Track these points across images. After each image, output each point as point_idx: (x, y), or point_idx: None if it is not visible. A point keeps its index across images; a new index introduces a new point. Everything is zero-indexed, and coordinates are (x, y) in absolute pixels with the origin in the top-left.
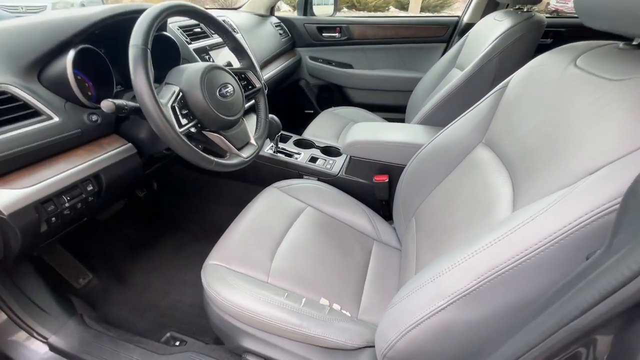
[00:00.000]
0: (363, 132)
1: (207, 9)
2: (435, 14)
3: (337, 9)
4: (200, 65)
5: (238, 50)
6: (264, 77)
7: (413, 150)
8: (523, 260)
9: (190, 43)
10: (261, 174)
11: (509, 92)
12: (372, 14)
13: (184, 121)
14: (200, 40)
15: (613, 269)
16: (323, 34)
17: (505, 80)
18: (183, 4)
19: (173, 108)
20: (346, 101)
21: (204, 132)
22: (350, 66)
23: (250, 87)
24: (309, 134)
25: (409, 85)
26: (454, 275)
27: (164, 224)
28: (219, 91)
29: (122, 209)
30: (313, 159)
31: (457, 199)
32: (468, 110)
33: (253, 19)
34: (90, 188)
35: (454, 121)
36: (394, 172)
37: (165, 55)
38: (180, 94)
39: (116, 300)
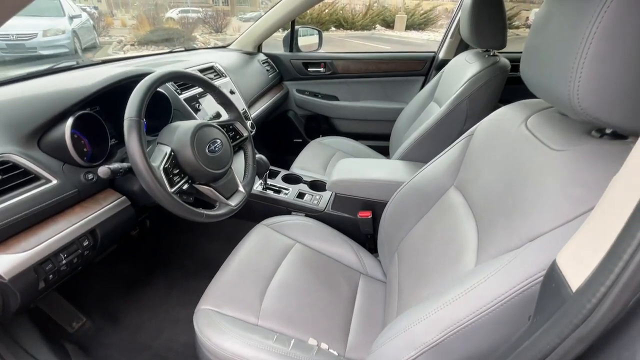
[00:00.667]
0: (347, 170)
1: (197, 48)
2: (413, 50)
3: (321, 45)
4: (190, 125)
5: (225, 104)
6: (254, 114)
7: (394, 187)
8: (479, 317)
9: (180, 93)
10: (251, 211)
11: (474, 141)
12: (355, 50)
13: (175, 179)
14: (190, 90)
15: (537, 343)
16: (309, 69)
17: (472, 129)
18: (172, 73)
19: (165, 169)
20: (333, 130)
21: (194, 185)
22: (335, 98)
23: (238, 137)
24: (297, 166)
25: (392, 115)
26: (423, 327)
27: (157, 261)
28: (208, 147)
29: (115, 249)
30: (301, 195)
31: (433, 240)
32: (441, 153)
33: (241, 58)
34: (86, 243)
35: (429, 162)
36: (377, 207)
37: (158, 107)
38: (172, 154)
39: (110, 342)
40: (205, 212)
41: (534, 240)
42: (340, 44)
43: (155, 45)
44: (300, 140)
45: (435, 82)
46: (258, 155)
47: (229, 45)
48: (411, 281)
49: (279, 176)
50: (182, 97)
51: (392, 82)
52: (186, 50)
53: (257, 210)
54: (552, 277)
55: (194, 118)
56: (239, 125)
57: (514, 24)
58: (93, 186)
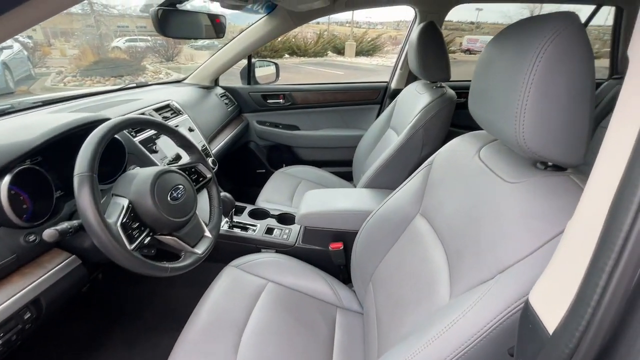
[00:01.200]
0: (314, 202)
1: (150, 84)
2: (367, 81)
3: (278, 77)
4: (149, 173)
5: (186, 146)
6: (215, 149)
7: (363, 217)
8: (460, 355)
9: (134, 136)
10: (218, 251)
11: (434, 171)
12: (312, 82)
13: (135, 234)
14: (145, 131)
15: None
16: (268, 101)
17: (431, 158)
18: (127, 120)
19: (123, 225)
20: (296, 159)
21: (156, 237)
22: (296, 128)
23: (201, 179)
24: (263, 199)
25: (352, 142)
26: None
27: (113, 316)
28: (170, 195)
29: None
30: (269, 230)
31: (405, 268)
32: (404, 183)
33: (198, 93)
34: (28, 316)
35: (394, 192)
36: (347, 238)
37: (110, 152)
38: (130, 206)
39: None
40: (169, 265)
41: (503, 272)
42: (296, 70)
43: (101, 76)
44: (264, 170)
45: (390, 111)
46: (222, 193)
47: (184, 79)
48: (388, 313)
49: (246, 212)
50: (137, 139)
51: (350, 110)
52: (138, 86)
53: (225, 250)
54: (528, 318)
55: (152, 161)
56: (201, 167)
57: (450, 49)
58: (35, 248)
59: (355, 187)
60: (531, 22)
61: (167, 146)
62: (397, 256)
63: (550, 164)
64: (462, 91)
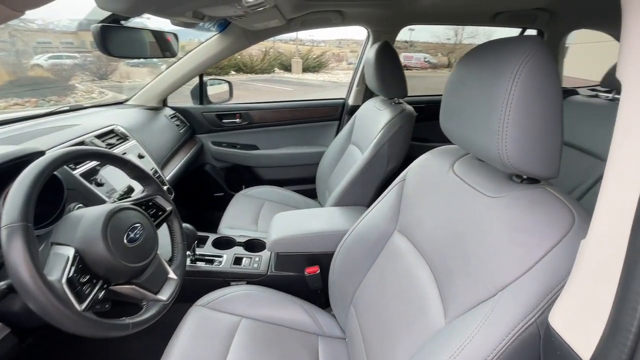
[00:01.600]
0: (285, 226)
1: (87, 107)
2: (324, 98)
3: (232, 95)
4: (98, 213)
5: (141, 177)
6: (168, 176)
7: (338, 237)
8: None
9: (74, 168)
10: (182, 290)
11: (407, 187)
12: (269, 99)
13: (86, 290)
14: (86, 163)
15: None
16: (223, 121)
17: (403, 174)
18: (68, 154)
19: (70, 281)
20: (256, 180)
21: (111, 288)
22: (255, 147)
23: (160, 212)
24: (225, 225)
25: (313, 159)
26: None
27: None
28: (127, 237)
29: None
30: (237, 260)
31: (389, 289)
32: (379, 199)
33: (145, 115)
34: None
35: (369, 209)
36: (323, 260)
37: (45, 190)
38: (77, 256)
39: None
40: (130, 320)
41: (504, 289)
42: (244, 87)
43: (18, 97)
44: (222, 193)
45: (350, 127)
46: (184, 225)
47: (126, 100)
48: (377, 338)
49: (209, 242)
50: (76, 172)
51: (309, 127)
52: (72, 109)
53: (189, 288)
54: (553, 344)
55: (99, 198)
56: (160, 199)
57: None
58: None
59: (320, 204)
60: (500, 45)
61: (114, 177)
62: (378, 276)
63: (525, 177)
64: (416, 106)
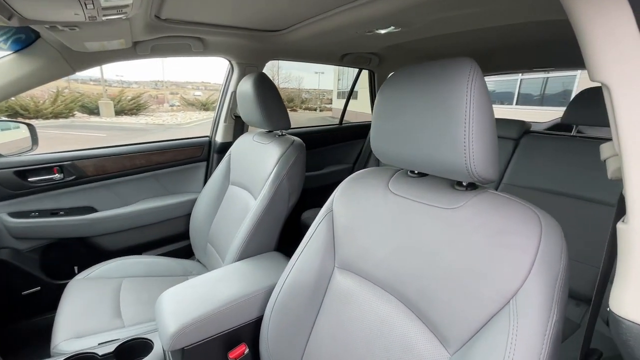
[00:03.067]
0: (185, 306)
1: None
2: (188, 137)
3: (37, 142)
4: None
5: None
6: None
7: (261, 297)
8: None
9: None
10: None
11: (337, 218)
12: (61, 148)
13: None
14: None
15: None
16: (29, 179)
17: (328, 203)
18: None
19: None
20: (97, 254)
21: None
22: (91, 209)
23: None
24: (64, 337)
25: (182, 209)
26: None
27: None
28: None
29: None
30: None
31: (352, 337)
32: (306, 240)
33: None
34: None
35: (297, 251)
36: (247, 333)
37: None
38: None
39: None
40: None
41: (517, 294)
42: None
43: None
44: (38, 287)
45: (226, 165)
46: None
47: None
48: None
49: None
50: None
51: (171, 173)
52: None
53: None
54: (631, 335)
55: None
56: None
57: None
58: None
59: (201, 263)
60: (439, 68)
61: None
62: (328, 325)
63: (465, 183)
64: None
